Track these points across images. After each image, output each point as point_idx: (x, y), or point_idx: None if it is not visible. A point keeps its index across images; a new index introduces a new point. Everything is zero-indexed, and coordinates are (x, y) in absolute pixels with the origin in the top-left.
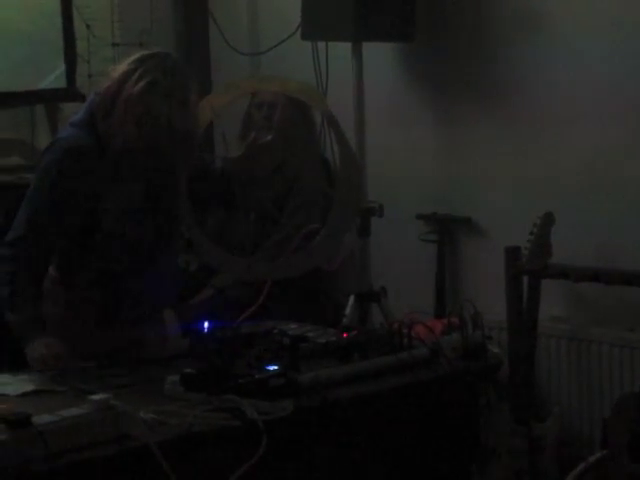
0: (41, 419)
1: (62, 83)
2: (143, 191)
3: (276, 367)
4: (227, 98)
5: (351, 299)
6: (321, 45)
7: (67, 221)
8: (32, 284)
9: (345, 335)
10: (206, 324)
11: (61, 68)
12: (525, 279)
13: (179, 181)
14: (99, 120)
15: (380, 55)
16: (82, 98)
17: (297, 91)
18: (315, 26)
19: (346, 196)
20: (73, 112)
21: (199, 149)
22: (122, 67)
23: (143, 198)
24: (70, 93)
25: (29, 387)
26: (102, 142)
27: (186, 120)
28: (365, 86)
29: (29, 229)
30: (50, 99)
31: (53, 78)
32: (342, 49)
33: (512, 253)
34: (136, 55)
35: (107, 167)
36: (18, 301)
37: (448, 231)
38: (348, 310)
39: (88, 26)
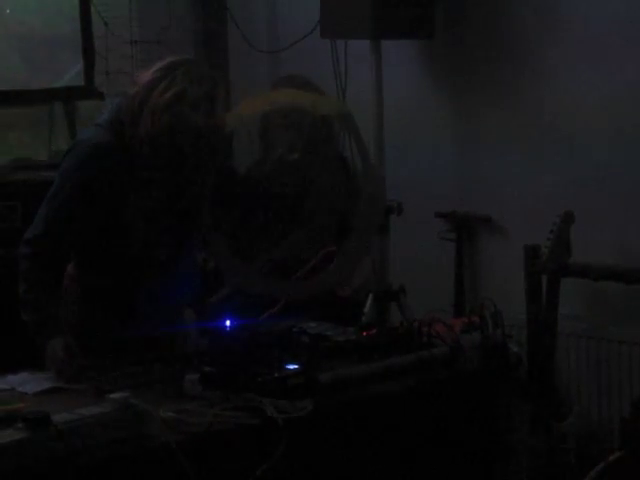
0: (60, 418)
1: (80, 81)
2: (166, 194)
3: (296, 366)
4: (258, 109)
5: (370, 298)
6: (340, 43)
7: (87, 221)
8: (50, 282)
9: (365, 334)
10: (225, 323)
11: (79, 66)
12: (545, 278)
13: (203, 186)
14: (126, 124)
15: (399, 52)
16: (100, 96)
17: (327, 108)
18: (334, 24)
19: (366, 219)
20: (91, 110)
21: (223, 154)
22: (149, 74)
23: (166, 201)
24: (88, 91)
25: (47, 385)
26: (127, 144)
27: (213, 129)
28: (384, 83)
29: (48, 227)
30: (68, 97)
31: (72, 76)
32: (361, 47)
33: (532, 251)
34: (164, 62)
35: (130, 168)
36: (35, 299)
37: (467, 229)
38: (367, 309)
39: (106, 24)
